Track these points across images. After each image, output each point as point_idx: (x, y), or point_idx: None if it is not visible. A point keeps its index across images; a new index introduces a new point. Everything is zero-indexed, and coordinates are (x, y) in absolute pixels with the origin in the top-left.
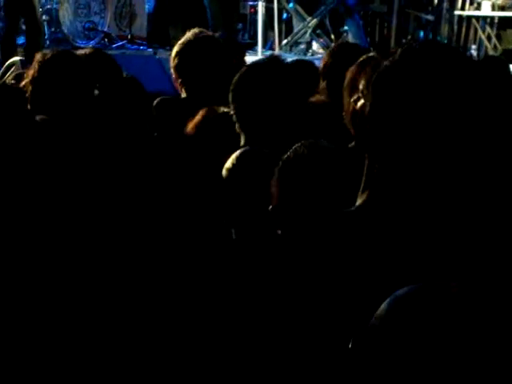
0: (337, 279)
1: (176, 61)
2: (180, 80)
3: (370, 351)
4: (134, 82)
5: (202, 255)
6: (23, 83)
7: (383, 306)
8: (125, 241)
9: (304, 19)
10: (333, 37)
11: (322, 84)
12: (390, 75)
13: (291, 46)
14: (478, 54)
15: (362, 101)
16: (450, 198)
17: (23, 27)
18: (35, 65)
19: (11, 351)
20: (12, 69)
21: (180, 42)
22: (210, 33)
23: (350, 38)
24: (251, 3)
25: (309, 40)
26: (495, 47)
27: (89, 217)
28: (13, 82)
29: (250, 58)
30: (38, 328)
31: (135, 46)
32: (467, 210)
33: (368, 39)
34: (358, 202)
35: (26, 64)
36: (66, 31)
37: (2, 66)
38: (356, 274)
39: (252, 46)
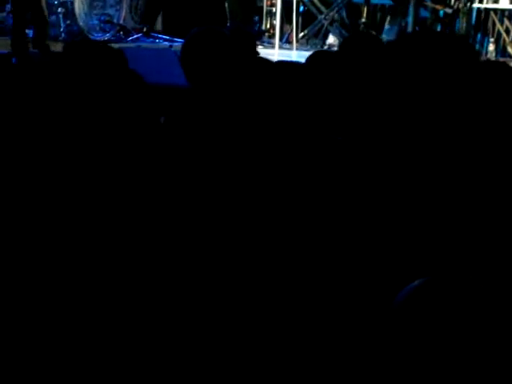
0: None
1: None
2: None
3: (384, 341)
4: (132, 75)
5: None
6: None
7: (398, 297)
8: (127, 235)
9: (321, 12)
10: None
11: None
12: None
13: (308, 39)
14: (496, 47)
15: None
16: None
17: None
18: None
19: (11, 351)
20: None
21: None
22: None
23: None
24: None
25: (326, 33)
26: None
27: (90, 210)
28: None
29: (267, 51)
30: (37, 327)
31: (151, 39)
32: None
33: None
34: None
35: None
36: (81, 24)
37: (15, 59)
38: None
39: (262, 35)
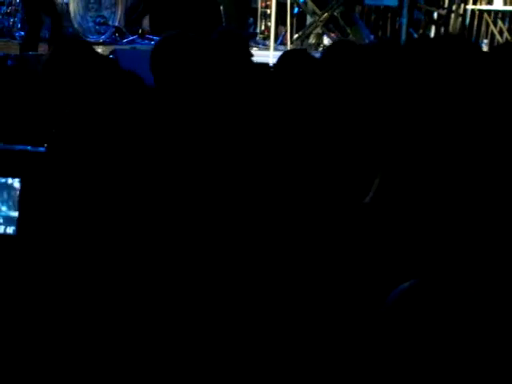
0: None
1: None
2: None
3: (376, 342)
4: (133, 77)
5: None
6: None
7: (388, 299)
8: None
9: (315, 13)
10: (345, 31)
11: None
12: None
13: (302, 41)
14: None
15: None
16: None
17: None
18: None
19: (11, 351)
20: None
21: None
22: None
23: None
24: None
25: (320, 34)
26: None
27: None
28: None
29: (261, 53)
30: (37, 327)
31: (146, 41)
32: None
33: (373, 35)
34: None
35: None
36: (76, 26)
37: (10, 61)
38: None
39: (254, 36)
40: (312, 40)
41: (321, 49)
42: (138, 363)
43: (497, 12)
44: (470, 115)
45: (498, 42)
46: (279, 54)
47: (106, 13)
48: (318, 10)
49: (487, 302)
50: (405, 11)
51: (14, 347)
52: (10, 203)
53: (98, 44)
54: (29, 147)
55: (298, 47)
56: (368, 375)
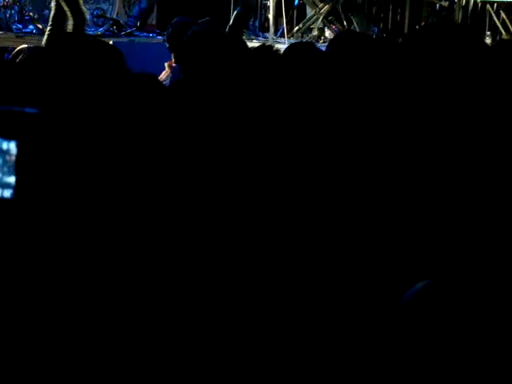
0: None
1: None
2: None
3: (390, 342)
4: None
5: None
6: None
7: (404, 298)
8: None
9: (316, 5)
10: (345, 23)
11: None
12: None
13: (303, 33)
14: (493, 40)
15: None
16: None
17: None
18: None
19: (10, 350)
20: (20, 56)
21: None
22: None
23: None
24: None
25: (321, 27)
26: (510, 33)
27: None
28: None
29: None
30: (37, 327)
31: (144, 34)
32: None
33: (376, 28)
34: None
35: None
36: None
37: (7, 55)
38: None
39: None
40: (313, 32)
41: (321, 41)
42: (136, 358)
43: (500, 3)
44: (471, 109)
45: (501, 33)
46: (278, 46)
47: (103, 5)
48: (318, 2)
49: (502, 302)
50: (407, 2)
51: (10, 312)
52: (6, 168)
53: (96, 36)
54: (26, 109)
55: (299, 39)
56: (380, 376)
